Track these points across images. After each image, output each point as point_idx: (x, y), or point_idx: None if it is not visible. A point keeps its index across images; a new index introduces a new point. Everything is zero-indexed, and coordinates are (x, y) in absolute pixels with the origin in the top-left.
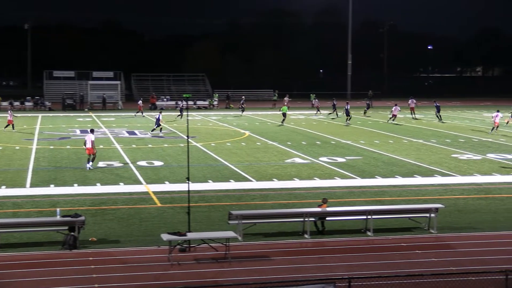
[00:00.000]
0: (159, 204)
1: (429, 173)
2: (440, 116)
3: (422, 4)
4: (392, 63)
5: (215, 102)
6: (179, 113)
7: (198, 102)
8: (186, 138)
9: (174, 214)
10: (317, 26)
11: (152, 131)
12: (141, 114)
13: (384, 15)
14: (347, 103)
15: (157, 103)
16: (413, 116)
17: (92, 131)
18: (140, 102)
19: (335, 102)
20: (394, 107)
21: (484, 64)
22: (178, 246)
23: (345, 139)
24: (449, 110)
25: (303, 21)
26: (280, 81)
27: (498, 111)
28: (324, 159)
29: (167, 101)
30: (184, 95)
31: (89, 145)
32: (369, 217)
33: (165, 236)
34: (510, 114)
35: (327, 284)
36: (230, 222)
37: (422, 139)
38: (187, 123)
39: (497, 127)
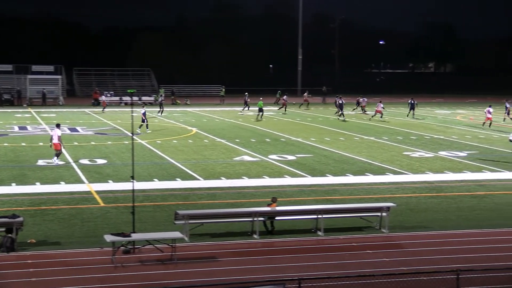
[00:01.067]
0: (102, 204)
1: (381, 171)
2: (413, 113)
3: None
4: (343, 59)
5: (161, 98)
6: (159, 109)
7: (143, 98)
8: (131, 135)
9: (118, 214)
10: (266, 20)
11: (140, 127)
12: (102, 110)
13: (336, 10)
14: (340, 98)
15: (103, 98)
16: (364, 112)
17: (58, 126)
18: (103, 97)
19: (341, 101)
20: (378, 104)
21: (436, 60)
22: (122, 248)
23: (295, 136)
24: (401, 107)
25: (252, 15)
26: (228, 76)
27: (490, 106)
28: (274, 156)
29: (110, 96)
30: (129, 91)
31: (56, 141)
32: (319, 216)
33: (109, 237)
34: (504, 111)
35: (277, 286)
36: (176, 222)
37: (373, 137)
38: (132, 119)
39: (490, 123)
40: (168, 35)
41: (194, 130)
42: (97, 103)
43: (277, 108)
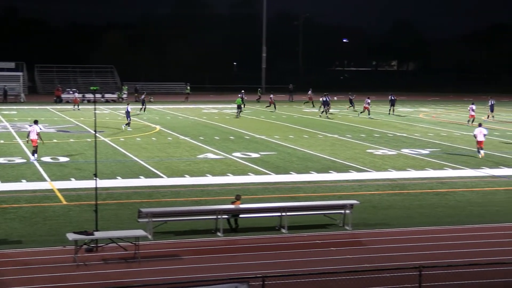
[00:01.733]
0: (64, 202)
1: (344, 169)
2: (393, 109)
3: None
4: (307, 56)
5: (124, 95)
6: (142, 106)
7: (107, 95)
8: (94, 132)
9: (81, 212)
10: (231, 18)
11: (126, 125)
12: (77, 107)
13: (300, 7)
14: (326, 95)
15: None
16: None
17: (36, 122)
18: (76, 94)
19: (326, 99)
20: (365, 100)
21: (399, 59)
22: (84, 246)
23: (259, 134)
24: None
25: (216, 12)
26: (192, 73)
27: (473, 104)
28: (238, 154)
29: (73, 93)
30: (92, 88)
31: (33, 137)
32: (283, 214)
33: (71, 236)
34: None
35: (241, 283)
36: (139, 220)
37: (337, 134)
38: (95, 116)
39: (473, 120)
40: (131, 32)
41: (158, 127)
42: (59, 100)
43: (265, 106)
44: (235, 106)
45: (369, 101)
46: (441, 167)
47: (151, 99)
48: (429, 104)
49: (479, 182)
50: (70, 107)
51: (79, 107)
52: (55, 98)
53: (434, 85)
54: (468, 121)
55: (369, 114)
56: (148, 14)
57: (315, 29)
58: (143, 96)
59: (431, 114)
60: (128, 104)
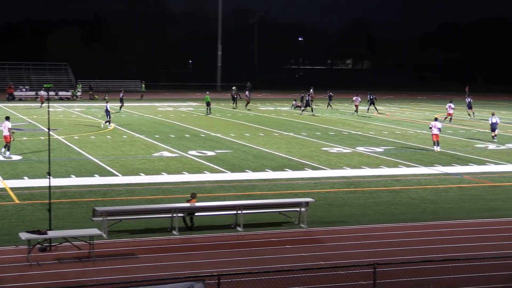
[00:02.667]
0: (17, 201)
1: (300, 167)
2: (375, 108)
3: None
4: (263, 54)
5: (79, 93)
6: (120, 104)
7: (60, 93)
8: (47, 130)
9: (34, 211)
10: (186, 15)
11: (106, 122)
12: (40, 105)
13: (255, 5)
14: (309, 95)
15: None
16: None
17: (7, 118)
18: (42, 92)
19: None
20: (355, 98)
21: (354, 57)
22: (38, 246)
23: (215, 132)
24: (320, 103)
25: (171, 10)
26: (147, 71)
27: (450, 102)
28: (193, 152)
29: (26, 91)
30: (45, 86)
31: (6, 133)
32: (239, 212)
33: (24, 235)
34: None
35: (196, 282)
36: (94, 219)
37: (292, 132)
38: (48, 114)
39: (451, 118)
40: (85, 29)
41: (113, 125)
42: (11, 98)
43: (237, 105)
44: (192, 104)
45: (359, 99)
46: (395, 165)
47: (106, 96)
48: (384, 103)
49: (432, 180)
50: (22, 104)
51: (42, 105)
52: (7, 96)
53: (388, 83)
54: (445, 118)
55: (355, 112)
56: (101, 10)
57: (270, 27)
58: (121, 94)
59: (385, 112)
60: (107, 102)
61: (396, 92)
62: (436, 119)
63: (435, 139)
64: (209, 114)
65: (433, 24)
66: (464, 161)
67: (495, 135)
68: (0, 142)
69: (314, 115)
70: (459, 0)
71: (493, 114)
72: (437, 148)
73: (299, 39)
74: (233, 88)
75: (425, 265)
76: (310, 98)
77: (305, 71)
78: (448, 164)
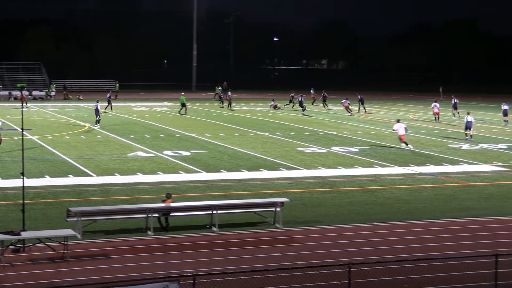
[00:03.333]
0: None
1: (275, 167)
2: (364, 108)
3: None
4: (238, 54)
5: (53, 93)
6: (107, 104)
7: (34, 93)
8: (21, 130)
9: (7, 212)
10: (161, 15)
11: (97, 123)
12: (25, 105)
13: (231, 5)
14: (301, 95)
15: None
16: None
17: None
18: (25, 92)
19: (301, 99)
20: (344, 100)
21: (329, 57)
22: (11, 246)
23: (190, 132)
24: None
25: (146, 9)
26: (121, 71)
27: (436, 101)
28: (168, 152)
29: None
30: (19, 85)
31: None
32: (214, 212)
33: None
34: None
35: (171, 282)
36: (68, 219)
37: (268, 132)
38: (22, 114)
39: (438, 116)
40: (59, 28)
41: (87, 125)
42: None
43: (226, 106)
44: (167, 104)
45: (348, 101)
46: (370, 165)
47: (80, 96)
48: (358, 103)
49: (407, 180)
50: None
51: (27, 105)
52: None
53: (363, 83)
54: (435, 118)
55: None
56: (75, 9)
57: (245, 27)
58: (108, 95)
59: (360, 112)
60: (97, 102)
61: (371, 92)
62: (398, 121)
63: (403, 139)
64: (184, 115)
65: (408, 24)
66: (438, 161)
67: (471, 135)
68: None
69: (304, 115)
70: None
71: (468, 113)
72: (410, 146)
73: (274, 39)
74: (219, 88)
75: (400, 264)
76: (303, 99)
77: (280, 71)
78: (423, 164)
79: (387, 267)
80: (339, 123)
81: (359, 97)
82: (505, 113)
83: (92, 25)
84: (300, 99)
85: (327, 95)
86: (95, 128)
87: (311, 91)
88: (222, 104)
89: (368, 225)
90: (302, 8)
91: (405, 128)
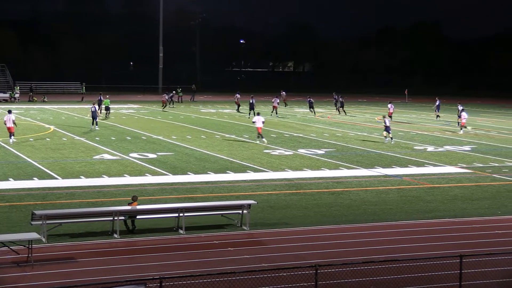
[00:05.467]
0: None
1: (242, 169)
2: (314, 111)
3: None
4: (204, 57)
5: (17, 95)
6: (98, 107)
7: None
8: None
9: None
10: (126, 17)
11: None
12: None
13: (197, 7)
14: (252, 97)
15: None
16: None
17: (10, 111)
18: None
19: (311, 99)
20: (274, 99)
21: (295, 60)
22: None
23: (156, 134)
24: (261, 105)
25: (111, 11)
26: (86, 73)
27: (390, 103)
28: (135, 155)
29: None
30: None
31: (10, 124)
32: (181, 214)
33: None
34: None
35: (138, 285)
36: (33, 222)
37: (234, 135)
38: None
39: (390, 117)
40: (23, 29)
41: (52, 128)
42: None
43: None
44: (133, 106)
45: (278, 100)
46: (336, 167)
47: (45, 98)
48: (325, 105)
49: (373, 182)
50: None
51: None
52: None
53: (329, 86)
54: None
55: (276, 113)
56: (39, 11)
57: (212, 29)
58: (100, 97)
59: (326, 114)
60: (93, 104)
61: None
62: (258, 114)
63: (260, 131)
64: (107, 119)
65: (373, 27)
66: (404, 163)
67: (391, 137)
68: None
69: (278, 117)
70: (396, 4)
71: (384, 117)
72: (263, 140)
73: (241, 41)
74: (173, 91)
75: (366, 266)
76: (253, 101)
77: (246, 73)
78: (388, 166)
79: (354, 268)
80: (305, 125)
81: (339, 99)
82: (460, 115)
83: (57, 26)
84: (251, 101)
85: (313, 101)
86: (97, 128)
87: (283, 93)
88: (172, 105)
89: (334, 227)
90: (269, 11)
91: (263, 121)
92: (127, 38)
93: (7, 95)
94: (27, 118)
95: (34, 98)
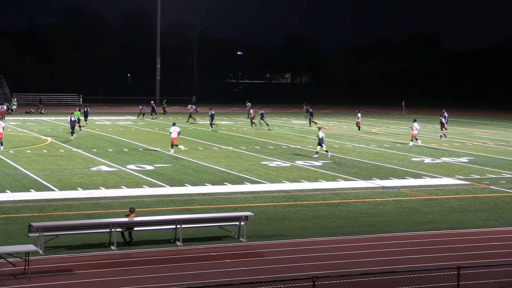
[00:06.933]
0: None
1: (239, 181)
2: (311, 121)
3: (233, 10)
4: (202, 68)
5: (14, 107)
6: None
7: None
8: None
9: None
10: (124, 29)
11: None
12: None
13: (194, 20)
14: (210, 108)
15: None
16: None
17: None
18: (4, 106)
19: (311, 109)
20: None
21: (293, 71)
22: None
23: (154, 146)
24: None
25: (109, 23)
26: (84, 84)
27: (359, 112)
28: (132, 166)
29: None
30: None
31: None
32: (178, 226)
33: None
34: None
35: None
36: (30, 234)
37: (232, 146)
38: None
39: (359, 126)
40: (20, 41)
41: (49, 139)
42: None
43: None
44: (131, 118)
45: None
46: (334, 179)
47: (42, 110)
48: (322, 116)
49: (370, 193)
50: None
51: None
52: None
53: (326, 97)
54: (358, 128)
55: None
56: (37, 22)
57: (209, 41)
58: (85, 109)
59: (324, 126)
60: (71, 114)
61: (334, 106)
62: (174, 124)
63: (174, 142)
64: (80, 130)
65: (370, 39)
66: (401, 175)
67: (319, 152)
68: None
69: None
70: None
71: (319, 129)
72: (179, 146)
73: (238, 53)
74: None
75: (364, 277)
76: (212, 112)
77: (244, 85)
78: (386, 177)
79: (352, 280)
80: (303, 137)
81: (310, 110)
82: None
83: (55, 38)
84: (261, 112)
85: (312, 111)
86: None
87: (248, 103)
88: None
89: (332, 239)
90: (266, 23)
91: (178, 132)
92: (124, 50)
93: (4, 107)
94: (24, 130)
95: (31, 110)
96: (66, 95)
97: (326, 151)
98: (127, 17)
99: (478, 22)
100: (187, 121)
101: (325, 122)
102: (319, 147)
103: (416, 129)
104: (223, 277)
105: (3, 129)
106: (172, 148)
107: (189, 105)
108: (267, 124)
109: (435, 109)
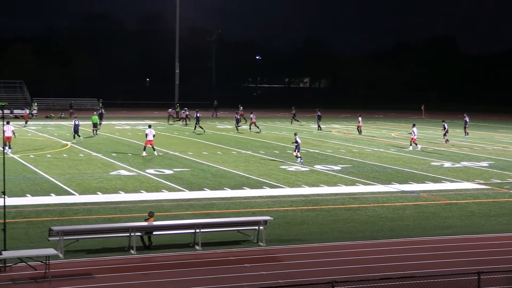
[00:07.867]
0: None
1: (258, 185)
2: (319, 125)
3: (251, 13)
4: (221, 73)
5: (34, 111)
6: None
7: (16, 111)
8: (2, 149)
9: None
10: (143, 33)
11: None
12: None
13: (213, 24)
14: (197, 111)
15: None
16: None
17: (8, 122)
18: (26, 111)
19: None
20: (249, 115)
21: (311, 76)
22: None
23: (173, 150)
24: (277, 121)
25: (128, 27)
26: (103, 89)
27: (360, 116)
28: (151, 171)
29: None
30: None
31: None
32: (197, 230)
33: None
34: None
35: None
36: (50, 238)
37: (250, 151)
38: (3, 133)
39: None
40: (40, 46)
41: (69, 144)
42: None
43: (181, 122)
44: (150, 122)
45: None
46: (352, 183)
47: (62, 114)
48: (341, 121)
49: (390, 198)
50: None
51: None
52: None
53: (345, 101)
54: (359, 131)
55: (254, 128)
56: (56, 27)
57: (228, 45)
58: (101, 111)
59: (342, 130)
60: (75, 118)
61: (353, 111)
62: (149, 126)
63: (150, 144)
64: (95, 136)
65: (388, 43)
66: (421, 179)
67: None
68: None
69: (196, 133)
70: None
71: (295, 134)
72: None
73: (257, 57)
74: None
75: (384, 282)
76: (239, 116)
77: (262, 89)
78: (405, 182)
79: (371, 285)
80: (321, 141)
81: (318, 114)
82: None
83: (74, 43)
84: (196, 115)
85: (321, 115)
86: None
87: (240, 108)
88: (176, 120)
89: (351, 243)
90: (285, 27)
91: (154, 134)
92: (143, 55)
93: (25, 111)
94: (44, 134)
95: (52, 114)
96: (85, 99)
97: (299, 157)
98: (145, 22)
99: (497, 24)
100: (172, 123)
101: (343, 126)
102: (295, 152)
103: (415, 134)
104: (242, 281)
105: (12, 133)
106: (144, 150)
107: (170, 109)
108: (257, 127)
109: (455, 113)
